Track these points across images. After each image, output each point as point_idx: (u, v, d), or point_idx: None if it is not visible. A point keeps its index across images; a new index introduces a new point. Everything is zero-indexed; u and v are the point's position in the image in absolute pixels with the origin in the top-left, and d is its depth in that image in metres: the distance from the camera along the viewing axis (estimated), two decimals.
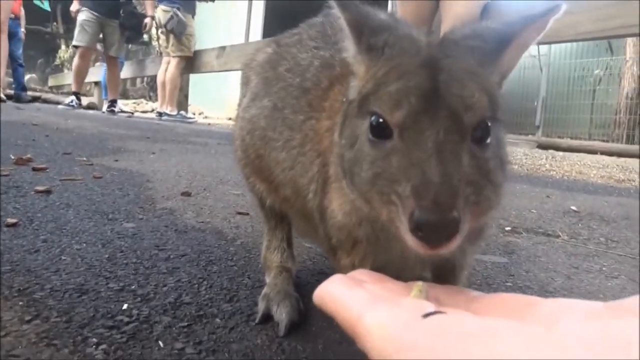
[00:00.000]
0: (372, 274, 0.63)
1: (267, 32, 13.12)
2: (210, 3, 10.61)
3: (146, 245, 1.63)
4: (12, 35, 10.64)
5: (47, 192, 2.20)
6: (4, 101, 9.26)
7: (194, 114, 12.53)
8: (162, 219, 1.98)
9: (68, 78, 11.93)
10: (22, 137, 4.06)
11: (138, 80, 19.88)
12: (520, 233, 2.26)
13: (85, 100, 11.18)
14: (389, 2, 9.23)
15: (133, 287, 1.29)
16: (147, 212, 2.07)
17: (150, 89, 19.07)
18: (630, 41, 11.06)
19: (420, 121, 0.61)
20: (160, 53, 10.44)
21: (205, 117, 14.33)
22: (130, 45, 15.77)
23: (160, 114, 9.86)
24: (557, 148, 9.22)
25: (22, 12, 11.41)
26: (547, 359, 0.34)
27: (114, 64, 10.06)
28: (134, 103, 15.52)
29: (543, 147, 9.51)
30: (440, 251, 0.56)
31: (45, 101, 12.46)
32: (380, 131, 0.65)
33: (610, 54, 11.86)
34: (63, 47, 22.43)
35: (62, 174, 2.70)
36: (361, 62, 0.76)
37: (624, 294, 1.53)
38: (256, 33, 14.41)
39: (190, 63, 9.67)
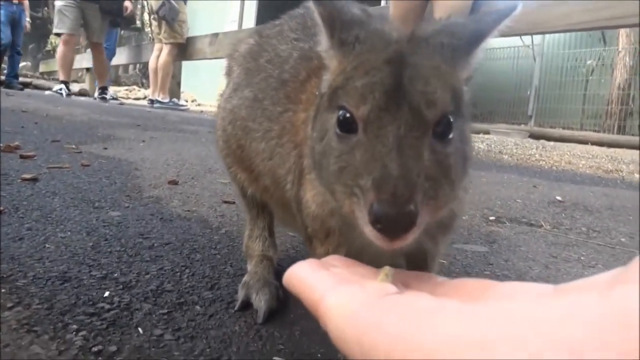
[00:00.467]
0: (344, 259, 0.65)
1: (261, 19, 13.03)
2: None
3: (131, 233, 1.64)
4: (16, 23, 10.45)
5: (34, 180, 2.21)
6: None
7: (187, 101, 12.48)
8: (148, 208, 1.99)
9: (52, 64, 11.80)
10: (10, 124, 4.04)
11: (130, 67, 19.74)
12: (504, 223, 2.29)
13: (77, 87, 11.10)
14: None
15: (115, 275, 1.30)
16: (133, 201, 2.08)
17: (143, 76, 18.93)
18: (623, 32, 11.07)
19: (383, 116, 0.62)
20: (153, 39, 10.36)
21: (198, 105, 14.27)
22: (122, 32, 15.61)
23: (152, 101, 9.82)
24: (549, 138, 9.26)
25: (27, 1, 11.15)
26: (487, 333, 0.36)
27: (98, 51, 9.83)
28: (126, 90, 15.41)
29: (535, 137, 9.55)
30: (398, 244, 0.58)
31: (37, 87, 12.36)
32: (347, 125, 0.66)
33: (603, 44, 11.87)
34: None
35: (50, 161, 2.70)
36: (333, 57, 0.77)
37: None
38: (250, 20, 14.31)
39: (183, 50, 9.61)
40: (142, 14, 12.80)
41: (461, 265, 1.61)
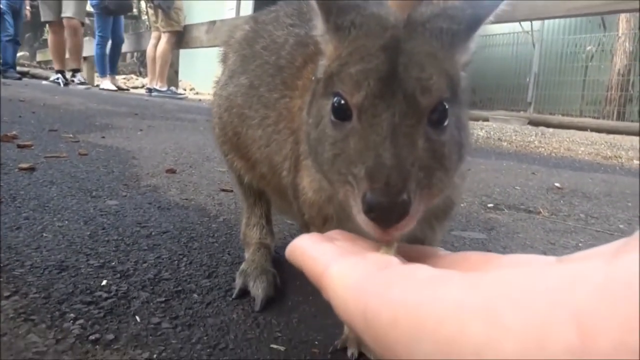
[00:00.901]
0: (346, 233, 0.63)
1: (259, 5, 12.91)
2: None
3: (128, 222, 1.64)
4: (17, 13, 10.31)
5: (31, 169, 2.20)
6: None
7: (185, 90, 12.41)
8: (146, 196, 1.99)
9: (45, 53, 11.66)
10: (8, 113, 4.02)
11: (128, 56, 19.62)
12: (502, 210, 2.29)
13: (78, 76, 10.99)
14: None
15: (113, 263, 1.30)
16: (131, 190, 2.07)
17: (141, 65, 18.82)
18: (623, 17, 11.00)
19: (377, 104, 0.62)
20: (150, 27, 10.28)
21: (196, 93, 14.21)
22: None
23: (150, 90, 9.77)
24: (548, 125, 9.23)
25: None
26: (491, 300, 0.35)
27: (75, 28, 9.38)
28: (124, 79, 15.34)
29: (534, 123, 9.52)
30: (392, 234, 0.57)
31: (34, 77, 12.28)
32: (342, 112, 0.65)
33: (603, 30, 11.79)
34: None
35: (47, 151, 2.70)
36: (329, 42, 0.76)
37: None
38: (247, 7, 14.20)
39: (180, 38, 9.54)
40: (139, 1, 12.70)
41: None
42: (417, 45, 0.67)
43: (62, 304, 1.06)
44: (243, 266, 1.27)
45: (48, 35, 9.78)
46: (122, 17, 10.52)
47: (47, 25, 10.76)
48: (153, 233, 1.56)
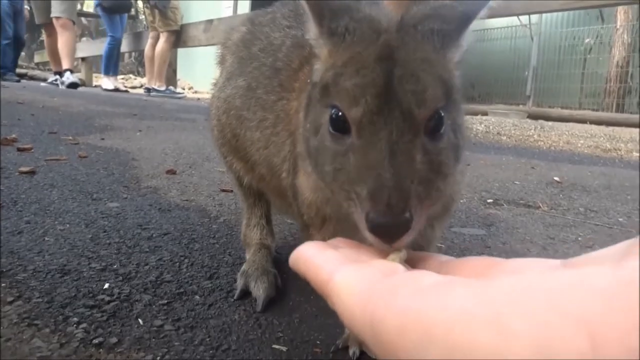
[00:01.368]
0: (349, 241, 0.65)
1: (256, 4, 12.88)
2: None
3: (129, 224, 1.65)
4: (17, 13, 10.23)
5: (32, 172, 2.21)
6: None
7: (184, 89, 12.41)
8: (147, 198, 1.99)
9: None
10: (7, 116, 4.02)
11: (126, 55, 19.59)
12: (502, 205, 2.30)
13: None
14: None
15: (115, 266, 1.31)
16: (131, 191, 2.08)
17: (139, 64, 18.80)
18: (621, 9, 10.97)
19: (375, 121, 0.63)
20: (147, 27, 10.26)
21: (195, 92, 14.20)
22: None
23: (148, 90, 9.77)
24: (547, 118, 9.22)
25: None
26: (498, 307, 0.36)
27: (64, 27, 9.18)
28: (122, 79, 15.32)
29: (533, 117, 9.51)
30: (395, 245, 0.59)
31: (32, 78, 12.27)
32: (340, 125, 0.66)
33: (601, 22, 11.76)
34: None
35: (47, 153, 2.70)
36: (323, 46, 0.76)
37: None
38: (244, 5, 14.16)
39: (178, 37, 9.53)
40: (136, 1, 12.67)
41: (459, 249, 1.62)
42: (411, 53, 0.67)
43: (65, 308, 1.07)
44: (244, 267, 1.27)
45: (44, 37, 9.59)
46: (125, 16, 10.45)
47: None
48: (154, 235, 1.56)
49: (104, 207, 1.83)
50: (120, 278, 1.24)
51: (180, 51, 11.12)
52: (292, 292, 1.24)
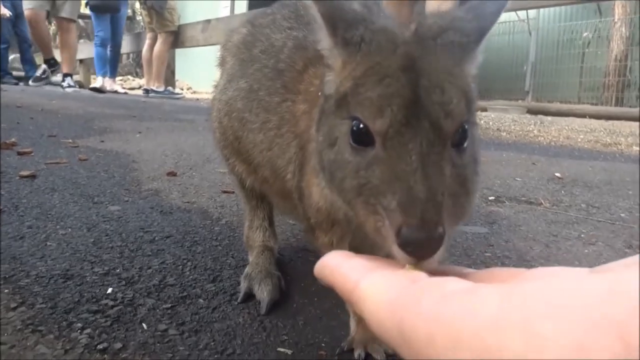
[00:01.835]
0: (369, 256, 0.63)
1: (253, 3, 12.87)
2: None
3: (131, 227, 1.64)
4: (18, 16, 10.00)
5: (32, 176, 2.20)
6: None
7: (182, 90, 12.40)
8: (148, 201, 1.99)
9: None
10: (6, 120, 4.02)
11: (124, 57, 19.58)
12: (503, 202, 2.30)
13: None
14: None
15: (118, 270, 1.31)
16: (132, 194, 2.08)
17: (137, 65, 18.76)
18: (618, 2, 10.96)
19: (402, 132, 0.61)
20: (145, 28, 10.24)
21: (194, 93, 14.19)
22: None
23: (147, 91, 9.76)
24: (547, 113, 9.23)
25: None
26: (528, 312, 0.36)
27: (66, 29, 9.12)
28: (121, 80, 15.30)
29: (533, 112, 9.52)
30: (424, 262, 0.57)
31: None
32: (362, 137, 0.64)
33: (599, 15, 11.76)
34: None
35: (47, 157, 2.70)
36: (337, 56, 0.74)
37: (600, 260, 1.57)
38: (242, 5, 14.15)
39: (176, 38, 9.52)
40: (133, 2, 12.65)
41: (462, 247, 1.62)
42: (434, 64, 0.66)
43: (69, 313, 1.07)
44: (247, 269, 1.27)
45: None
46: (122, 18, 10.39)
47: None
48: (156, 238, 1.56)
49: (106, 210, 1.82)
50: (124, 282, 1.24)
51: (179, 52, 11.11)
52: (296, 294, 1.24)
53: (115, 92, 10.22)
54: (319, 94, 0.85)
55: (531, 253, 1.62)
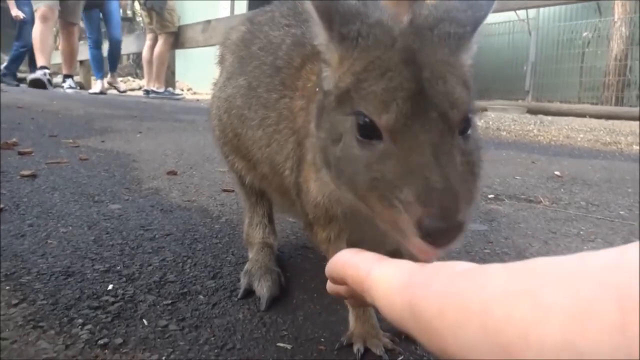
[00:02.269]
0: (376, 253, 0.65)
1: (253, 4, 12.86)
2: None
3: (132, 225, 1.65)
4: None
5: (33, 176, 2.21)
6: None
7: (182, 90, 12.41)
8: (148, 199, 2.00)
9: (55, 56, 11.50)
10: (7, 120, 4.02)
11: (124, 57, 19.59)
12: (503, 200, 2.30)
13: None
14: None
15: (118, 267, 1.32)
16: (133, 193, 2.09)
17: (137, 66, 18.78)
18: (618, 2, 10.97)
19: (411, 125, 0.61)
20: (145, 29, 10.24)
21: (194, 93, 14.21)
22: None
23: (147, 92, 9.76)
24: (547, 112, 9.22)
25: None
26: (535, 282, 0.37)
27: (71, 33, 9.19)
28: (121, 81, 15.30)
29: (532, 112, 9.52)
30: (440, 252, 0.58)
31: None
32: (369, 131, 0.64)
33: (599, 15, 11.76)
34: None
35: (48, 157, 2.70)
36: (334, 51, 0.75)
37: None
38: (242, 6, 14.15)
39: (176, 38, 9.53)
40: (132, 3, 12.65)
41: (461, 244, 1.62)
42: (433, 56, 0.67)
43: (70, 309, 1.08)
44: (247, 266, 1.28)
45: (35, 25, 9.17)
46: (116, 15, 10.32)
47: None
48: (157, 236, 1.57)
49: (106, 209, 1.83)
50: (124, 279, 1.25)
51: (179, 52, 11.11)
52: (296, 290, 1.25)
53: (117, 88, 10.18)
54: (316, 89, 0.85)
55: (530, 250, 1.62)
